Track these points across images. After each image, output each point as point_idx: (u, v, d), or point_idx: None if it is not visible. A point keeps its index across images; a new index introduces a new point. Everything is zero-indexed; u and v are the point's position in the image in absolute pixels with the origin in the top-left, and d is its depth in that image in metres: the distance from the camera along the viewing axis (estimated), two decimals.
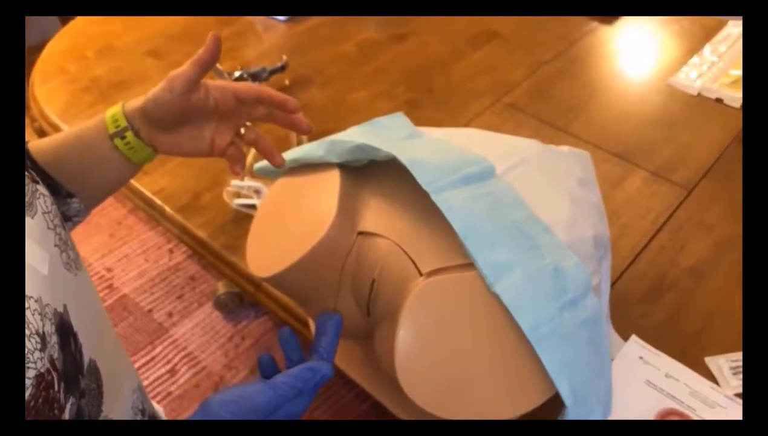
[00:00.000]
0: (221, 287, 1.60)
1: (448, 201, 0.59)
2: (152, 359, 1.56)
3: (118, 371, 0.60)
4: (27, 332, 0.42)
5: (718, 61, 1.21)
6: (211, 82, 0.63)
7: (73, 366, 0.49)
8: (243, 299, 1.62)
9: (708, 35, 1.29)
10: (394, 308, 0.60)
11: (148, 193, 0.96)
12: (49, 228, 0.52)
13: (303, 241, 0.63)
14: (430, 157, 0.63)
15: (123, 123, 0.61)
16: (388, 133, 0.71)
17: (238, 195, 0.93)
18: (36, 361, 0.42)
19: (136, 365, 1.54)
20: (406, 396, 0.57)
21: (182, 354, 1.57)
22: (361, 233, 0.64)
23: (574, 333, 0.58)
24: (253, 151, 1.00)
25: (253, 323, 1.63)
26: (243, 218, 0.92)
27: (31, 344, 0.42)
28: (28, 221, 0.49)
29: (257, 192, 0.92)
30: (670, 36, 1.30)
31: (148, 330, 1.62)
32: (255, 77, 1.11)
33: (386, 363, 0.61)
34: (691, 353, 0.76)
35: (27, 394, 0.41)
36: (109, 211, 1.91)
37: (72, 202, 0.64)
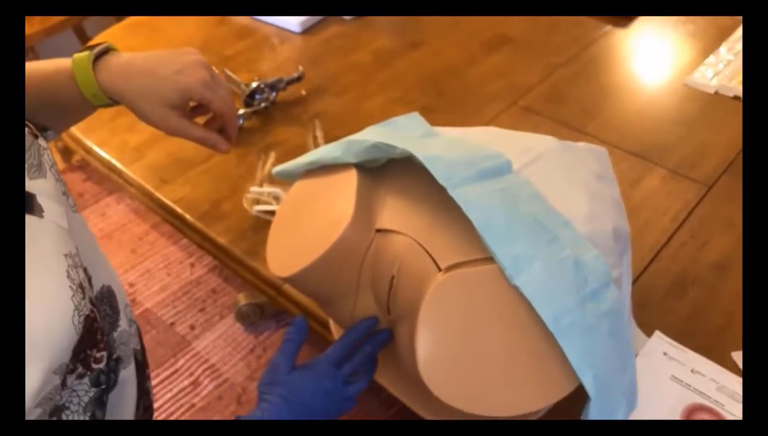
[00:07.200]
0: (242, 299, 1.61)
1: (465, 195, 0.59)
2: (175, 371, 1.57)
3: (119, 289, 0.63)
4: (74, 286, 0.47)
5: (734, 59, 1.21)
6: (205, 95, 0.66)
7: None
8: (264, 310, 1.63)
9: (723, 35, 1.28)
10: (414, 304, 0.60)
11: (168, 203, 0.98)
12: (57, 180, 0.55)
13: (322, 240, 0.64)
14: (447, 154, 0.63)
15: (105, 100, 0.64)
16: (404, 133, 0.72)
17: (258, 202, 0.94)
18: (83, 308, 0.48)
19: (159, 378, 1.56)
20: (430, 394, 0.57)
21: (205, 366, 1.58)
22: (379, 231, 0.65)
23: (595, 325, 0.57)
24: (271, 158, 1.01)
25: (274, 335, 1.63)
26: (263, 225, 0.92)
27: (78, 296, 0.47)
28: (42, 181, 0.52)
29: (276, 198, 0.93)
30: (685, 37, 1.30)
31: (170, 343, 1.63)
32: (272, 87, 1.12)
33: (408, 360, 0.61)
34: (716, 348, 0.75)
35: (79, 336, 0.47)
36: (131, 227, 1.93)
37: (47, 135, 0.67)
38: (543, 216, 0.61)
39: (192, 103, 0.68)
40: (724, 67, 1.19)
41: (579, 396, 0.57)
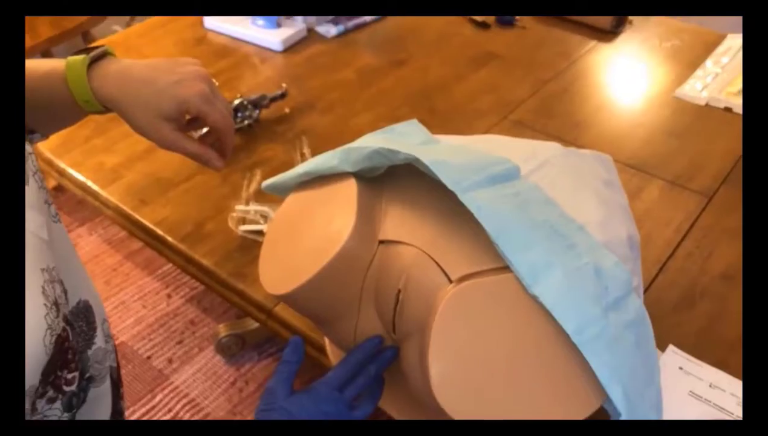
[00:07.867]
0: (223, 330, 1.55)
1: (476, 201, 0.55)
2: (153, 407, 1.49)
3: (97, 304, 0.60)
4: (48, 304, 0.43)
5: (721, 72, 1.20)
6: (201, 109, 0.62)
7: None
8: (246, 341, 1.56)
9: (708, 49, 1.28)
10: (423, 319, 0.56)
11: (149, 224, 0.92)
12: (40, 187, 0.51)
13: (321, 253, 0.59)
14: (452, 159, 0.60)
15: (98, 107, 0.61)
16: (404, 140, 0.68)
17: (244, 221, 0.89)
18: (56, 327, 0.44)
19: (136, 415, 1.47)
20: (440, 416, 0.53)
21: (184, 401, 1.50)
22: (382, 242, 0.60)
23: (620, 336, 0.54)
24: (257, 177, 0.96)
25: (256, 366, 1.56)
26: (250, 245, 0.87)
27: (52, 314, 0.44)
28: (25, 189, 0.48)
29: (264, 217, 0.88)
30: (670, 52, 1.29)
31: (147, 378, 1.55)
32: (255, 105, 1.08)
33: (417, 380, 0.57)
34: (732, 361, 0.72)
35: (49, 357, 0.43)
36: (104, 258, 1.86)
37: (33, 137, 0.63)
38: (557, 222, 0.58)
39: (187, 116, 0.64)
40: (712, 80, 1.18)
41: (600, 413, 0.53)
